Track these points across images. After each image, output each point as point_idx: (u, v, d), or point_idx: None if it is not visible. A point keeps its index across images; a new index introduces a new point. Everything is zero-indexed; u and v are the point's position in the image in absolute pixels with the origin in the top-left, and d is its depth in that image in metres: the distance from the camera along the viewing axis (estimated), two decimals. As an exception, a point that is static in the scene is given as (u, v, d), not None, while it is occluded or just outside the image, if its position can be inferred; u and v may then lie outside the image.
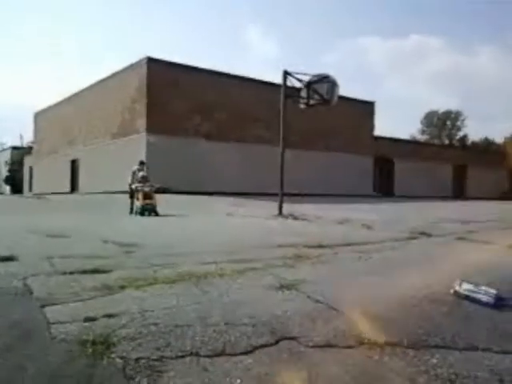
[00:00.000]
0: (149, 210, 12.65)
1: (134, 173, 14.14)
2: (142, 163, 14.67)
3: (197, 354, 2.41)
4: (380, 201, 23.04)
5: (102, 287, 3.61)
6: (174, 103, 21.96)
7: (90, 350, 2.39)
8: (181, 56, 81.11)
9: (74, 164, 29.30)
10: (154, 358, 2.35)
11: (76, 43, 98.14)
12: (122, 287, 3.62)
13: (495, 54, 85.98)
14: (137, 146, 21.96)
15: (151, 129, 21.73)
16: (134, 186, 13.58)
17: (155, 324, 2.79)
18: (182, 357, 2.38)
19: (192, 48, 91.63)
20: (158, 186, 14.04)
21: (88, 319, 2.83)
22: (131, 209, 13.43)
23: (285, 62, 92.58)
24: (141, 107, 22.38)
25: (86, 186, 26.79)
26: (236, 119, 23.66)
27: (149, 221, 11.17)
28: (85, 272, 4.17)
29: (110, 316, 2.90)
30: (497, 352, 2.72)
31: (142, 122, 22.29)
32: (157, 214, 12.53)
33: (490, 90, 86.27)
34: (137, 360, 2.32)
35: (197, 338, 2.60)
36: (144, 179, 13.71)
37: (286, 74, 13.22)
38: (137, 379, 2.14)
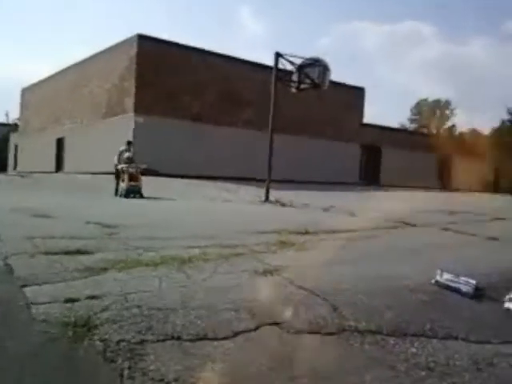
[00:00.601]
0: (134, 192, 12.48)
1: (120, 153, 13.86)
2: (129, 143, 14.39)
3: (178, 338, 2.41)
4: (366, 189, 23.18)
5: (85, 269, 3.59)
6: (163, 83, 21.66)
7: (71, 332, 2.38)
8: (171, 36, 79.68)
9: (59, 143, 28.89)
10: (136, 341, 2.35)
11: (70, 19, 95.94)
12: (105, 269, 3.60)
13: (487, 45, 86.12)
14: (124, 126, 21.69)
15: (139, 109, 21.47)
16: (119, 167, 13.35)
17: (137, 307, 2.78)
18: (164, 340, 2.38)
19: (182, 28, 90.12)
20: (143, 166, 13.79)
21: (69, 300, 2.81)
22: (116, 190, 13.27)
23: (277, 45, 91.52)
24: (129, 86, 22.05)
25: (71, 165, 26.48)
26: (226, 101, 23.45)
27: (133, 203, 11.13)
28: (67, 253, 4.14)
29: (91, 298, 2.89)
30: (475, 341, 2.77)
31: (130, 102, 21.99)
32: (142, 196, 12.35)
33: (480, 80, 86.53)
34: (118, 343, 2.31)
35: (178, 322, 2.60)
36: (130, 160, 13.45)
37: (278, 55, 13.09)
38: (117, 362, 2.14)
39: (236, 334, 2.53)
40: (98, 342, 2.30)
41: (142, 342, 2.34)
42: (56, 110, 29.33)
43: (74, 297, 2.88)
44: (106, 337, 2.36)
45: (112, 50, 23.90)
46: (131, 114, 21.61)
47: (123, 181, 12.88)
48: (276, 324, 2.72)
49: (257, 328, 2.64)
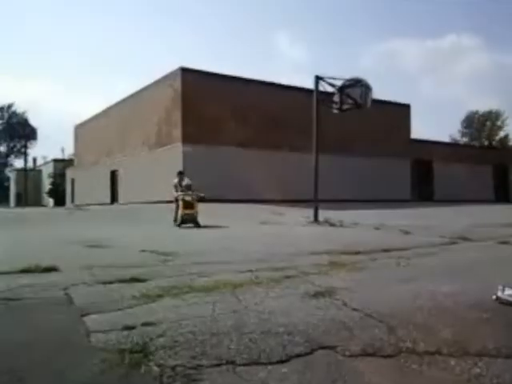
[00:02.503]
0: (189, 221, 11.98)
1: (176, 185, 13.42)
2: (180, 173, 14.03)
3: (232, 363, 2.41)
4: (418, 205, 22.56)
5: (140, 296, 3.68)
6: (207, 112, 22.22)
7: (128, 359, 2.44)
8: (212, 65, 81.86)
9: (113, 175, 30.03)
10: (190, 366, 2.37)
11: (113, 55, 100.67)
12: (160, 296, 3.67)
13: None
14: (173, 155, 22.31)
15: (187, 138, 22.06)
16: (176, 195, 12.95)
17: (191, 332, 2.82)
18: (218, 365, 2.39)
19: (222, 57, 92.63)
20: (202, 195, 13.18)
21: (126, 328, 2.88)
22: (175, 219, 12.80)
23: (317, 68, 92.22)
24: (176, 117, 22.76)
25: (125, 196, 27.39)
26: (270, 126, 23.72)
27: (187, 232, 11.25)
28: (123, 281, 4.26)
29: (147, 324, 2.95)
30: (543, 360, 2.62)
31: (177, 132, 22.66)
32: (198, 225, 11.82)
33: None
34: (173, 368, 2.34)
35: (232, 347, 2.61)
36: (188, 188, 12.99)
37: (318, 78, 13.19)
38: (174, 386, 2.17)
39: (290, 358, 2.51)
40: (154, 368, 2.34)
41: (197, 366, 2.36)
42: (108, 144, 30.59)
43: (131, 324, 2.94)
44: (162, 362, 2.40)
45: (157, 84, 24.82)
46: (179, 144, 22.21)
47: (179, 209, 12.48)
48: (331, 347, 2.67)
49: (311, 352, 2.61)
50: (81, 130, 36.46)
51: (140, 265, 5.18)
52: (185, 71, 22.65)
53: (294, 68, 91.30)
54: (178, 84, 22.66)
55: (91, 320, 3.09)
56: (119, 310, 3.34)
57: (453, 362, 2.55)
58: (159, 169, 23.40)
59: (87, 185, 33.82)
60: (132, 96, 27.72)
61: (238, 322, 3.02)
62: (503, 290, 3.70)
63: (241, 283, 4.11)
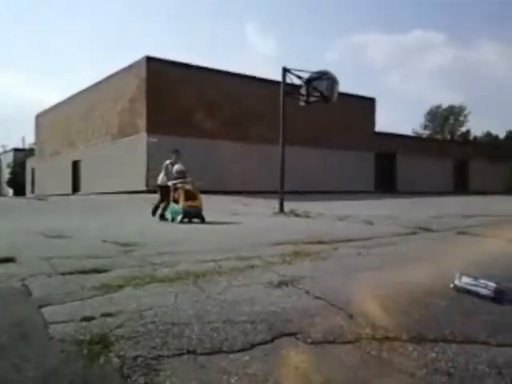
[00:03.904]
0: (193, 215, 10.00)
1: (166, 167, 11.28)
2: (176, 151, 11.63)
3: (194, 352, 2.40)
4: (382, 196, 23.00)
5: (101, 286, 3.61)
6: (174, 103, 21.95)
7: (87, 350, 2.39)
8: (178, 55, 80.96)
9: (75, 165, 29.36)
10: (151, 356, 2.34)
11: (75, 44, 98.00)
12: (121, 286, 3.62)
13: (498, 49, 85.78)
14: (138, 146, 21.97)
15: (152, 129, 21.73)
16: (170, 184, 10.77)
17: (152, 322, 2.78)
18: (179, 355, 2.38)
19: (189, 47, 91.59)
20: (201, 183, 11.38)
21: (85, 319, 2.83)
22: (155, 210, 11.11)
23: (284, 60, 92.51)
24: (141, 107, 22.38)
25: (87, 186, 26.84)
26: (238, 118, 23.64)
27: (156, 224, 11.06)
28: (84, 272, 4.17)
29: (107, 315, 2.90)
30: (496, 345, 2.71)
31: (142, 123, 22.29)
32: (203, 220, 9.95)
33: (493, 84, 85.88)
34: (134, 359, 2.31)
35: (194, 336, 2.59)
36: (182, 174, 10.79)
37: (285, 70, 13.19)
38: (133, 378, 2.13)
39: (252, 346, 2.51)
40: (114, 359, 2.30)
41: (158, 357, 2.34)
42: (70, 134, 29.89)
43: (90, 315, 2.89)
44: (122, 353, 2.36)
45: (121, 72, 24.34)
46: (144, 135, 21.86)
47: (175, 201, 10.42)
48: (292, 335, 2.70)
49: (273, 339, 2.62)
50: (42, 119, 35.43)
51: (102, 255, 5.08)
52: (150, 60, 22.24)
53: (263, 59, 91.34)
54: (143, 73, 22.26)
55: (49, 311, 3.01)
56: (78, 300, 3.26)
57: (411, 347, 2.61)
58: (123, 159, 23.03)
59: (48, 175, 32.97)
60: (95, 85, 27.09)
61: (199, 311, 3.01)
62: (460, 278, 3.81)
63: (204, 273, 4.09)
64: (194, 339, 2.56)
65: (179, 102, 22.05)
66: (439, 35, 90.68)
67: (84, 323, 2.76)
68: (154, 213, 11.09)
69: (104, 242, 6.27)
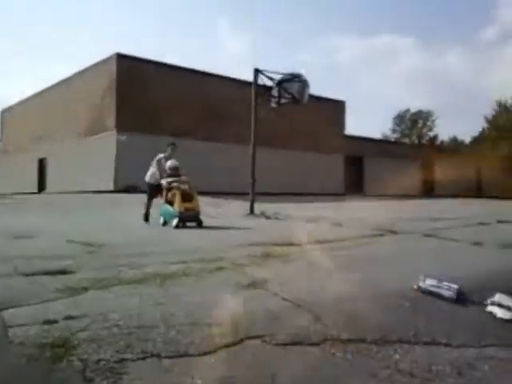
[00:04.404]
0: (188, 219, 8.79)
1: (159, 162, 9.83)
2: (172, 144, 10.37)
3: (158, 356, 2.38)
4: (351, 199, 23.30)
5: (65, 288, 3.53)
6: (145, 101, 21.69)
7: (49, 353, 2.34)
8: (150, 52, 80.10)
9: (41, 163, 28.66)
10: (115, 359, 2.31)
11: (46, 37, 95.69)
12: (85, 288, 3.55)
13: (464, 54, 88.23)
14: (107, 144, 21.62)
15: (121, 127, 21.41)
16: (164, 182, 9.35)
17: (117, 326, 2.74)
18: (143, 358, 2.35)
19: (161, 45, 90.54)
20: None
21: (48, 322, 2.76)
22: (145, 214, 9.58)
23: (256, 61, 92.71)
24: (110, 105, 22.03)
25: (54, 185, 26.23)
26: (211, 118, 23.53)
27: (126, 223, 10.94)
28: (48, 273, 4.07)
29: (70, 318, 2.84)
30: (457, 346, 2.78)
31: (111, 120, 21.95)
32: (200, 225, 8.74)
33: (459, 90, 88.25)
34: (97, 362, 2.28)
35: (159, 340, 2.57)
36: (176, 170, 9.48)
37: (257, 71, 13.22)
38: (96, 381, 2.10)
39: (218, 349, 2.51)
40: (76, 362, 2.26)
41: (122, 360, 2.31)
42: (36, 130, 29.15)
43: (53, 318, 2.82)
44: (85, 356, 2.32)
45: (91, 69, 23.93)
46: (113, 132, 21.53)
47: (169, 202, 9.07)
48: (258, 337, 2.70)
49: (239, 342, 2.62)
50: (8, 115, 34.48)
51: (67, 256, 4.97)
52: (121, 57, 21.92)
53: (236, 60, 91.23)
54: (113, 70, 21.92)
55: (10, 314, 2.93)
56: (41, 303, 3.18)
57: (375, 349, 2.65)
58: (91, 158, 22.62)
59: (12, 172, 32.06)
60: (64, 81, 26.52)
61: (165, 314, 2.97)
62: (424, 280, 3.90)
63: (171, 275, 4.05)
64: (158, 342, 2.53)
65: (150, 101, 21.81)
66: (407, 40, 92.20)
67: (46, 326, 2.70)
68: (146, 218, 9.57)
69: (70, 242, 6.14)
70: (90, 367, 2.22)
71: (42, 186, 28.14)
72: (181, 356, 2.39)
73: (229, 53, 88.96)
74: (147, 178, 9.97)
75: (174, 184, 9.13)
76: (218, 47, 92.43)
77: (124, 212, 12.44)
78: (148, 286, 3.67)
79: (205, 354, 2.44)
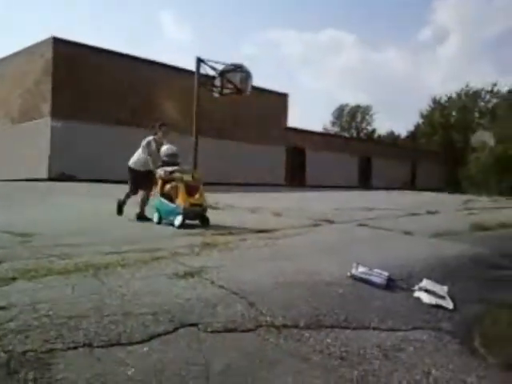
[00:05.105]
0: (193, 215, 7.32)
1: (148, 145, 8.16)
2: (162, 125, 8.58)
3: (90, 345, 2.33)
4: (291, 190, 23.67)
5: (-8, 279, 3.37)
6: (82, 87, 20.87)
7: (-28, 346, 2.23)
8: (90, 38, 77.24)
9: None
10: (43, 350, 2.25)
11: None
12: (14, 279, 3.40)
13: (403, 52, 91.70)
14: (41, 131, 20.67)
15: (57, 113, 20.53)
16: (161, 171, 7.67)
17: (47, 316, 2.66)
18: (74, 348, 2.30)
19: (103, 33, 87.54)
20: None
21: (-29, 313, 2.63)
22: (141, 211, 8.04)
23: (200, 51, 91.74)
24: (46, 90, 21.05)
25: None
26: (149, 105, 23.03)
27: (70, 213, 10.51)
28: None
29: (-4, 309, 2.72)
30: (385, 330, 2.92)
31: (46, 107, 20.98)
32: (207, 223, 7.30)
33: (396, 87, 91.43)
34: (23, 353, 2.20)
35: (91, 329, 2.51)
36: (174, 158, 7.84)
37: (200, 61, 13.12)
38: (22, 373, 2.04)
39: (152, 338, 2.49)
40: (1, 354, 2.17)
41: (51, 350, 2.25)
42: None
43: (-23, 309, 2.70)
44: (11, 347, 2.24)
45: (25, 52, 22.70)
46: (48, 119, 20.62)
47: (166, 196, 7.47)
48: (194, 325, 2.71)
49: (174, 330, 2.61)
50: None
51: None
52: (57, 41, 20.89)
53: (180, 49, 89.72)
54: (49, 54, 20.91)
55: None
56: (-36, 294, 3.03)
57: (307, 334, 2.73)
58: (24, 145, 21.56)
59: None
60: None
61: (98, 304, 2.91)
62: (357, 268, 4.05)
63: (105, 265, 3.95)
64: (90, 332, 2.48)
65: (88, 88, 21.01)
66: (350, 36, 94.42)
67: (-31, 318, 2.57)
68: (140, 216, 8.00)
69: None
70: (15, 358, 2.15)
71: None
72: (113, 345, 2.36)
73: (173, 43, 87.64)
74: (133, 163, 8.36)
75: (177, 174, 7.49)
76: (162, 37, 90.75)
77: (66, 201, 11.97)
78: (81, 277, 3.57)
79: (138, 342, 2.42)
